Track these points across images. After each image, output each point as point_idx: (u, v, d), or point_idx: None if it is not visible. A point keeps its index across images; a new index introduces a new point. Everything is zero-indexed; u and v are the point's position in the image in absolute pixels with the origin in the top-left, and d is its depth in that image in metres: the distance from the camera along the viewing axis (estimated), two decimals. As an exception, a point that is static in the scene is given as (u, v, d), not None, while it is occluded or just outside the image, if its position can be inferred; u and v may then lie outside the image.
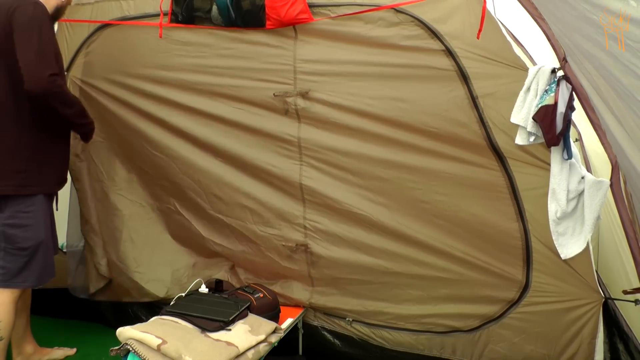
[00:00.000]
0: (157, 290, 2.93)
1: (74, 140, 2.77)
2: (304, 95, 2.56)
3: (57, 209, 2.68)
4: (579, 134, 2.69)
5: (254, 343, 2.24)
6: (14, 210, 2.40)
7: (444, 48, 2.33)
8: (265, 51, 2.58)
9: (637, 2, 1.22)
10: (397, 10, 2.36)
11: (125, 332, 2.17)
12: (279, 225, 2.74)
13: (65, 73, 2.76)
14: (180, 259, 2.97)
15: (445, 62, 2.34)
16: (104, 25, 2.80)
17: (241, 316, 2.38)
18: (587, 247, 2.23)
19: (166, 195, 2.93)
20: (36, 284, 2.51)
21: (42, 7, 2.36)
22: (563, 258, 2.24)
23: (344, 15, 2.43)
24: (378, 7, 2.38)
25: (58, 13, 2.55)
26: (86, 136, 2.72)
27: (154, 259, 2.97)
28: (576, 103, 2.13)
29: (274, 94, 2.60)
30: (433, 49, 2.35)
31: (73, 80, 2.90)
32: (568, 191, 2.15)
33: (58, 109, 2.38)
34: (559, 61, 2.16)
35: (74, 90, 2.87)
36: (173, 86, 2.75)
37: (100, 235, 3.04)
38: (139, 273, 2.95)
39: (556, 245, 2.23)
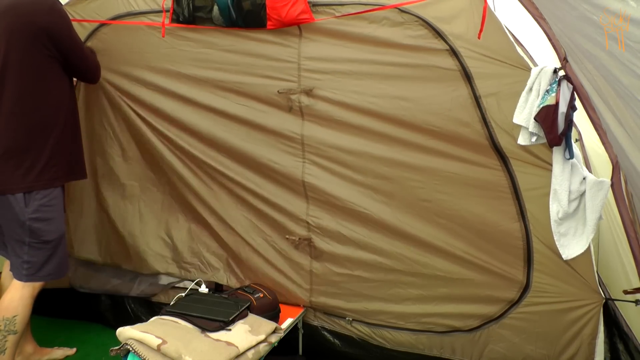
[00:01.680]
0: (158, 264, 2.97)
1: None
2: (308, 92, 2.57)
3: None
4: (579, 134, 2.69)
5: (254, 343, 2.24)
6: (39, 205, 2.44)
7: (448, 48, 2.33)
8: (270, 48, 2.59)
9: (637, 3, 1.22)
10: (401, 10, 2.36)
11: (125, 332, 2.17)
12: (283, 220, 2.75)
13: None
14: (182, 238, 2.98)
15: (449, 62, 2.34)
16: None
17: (241, 316, 2.38)
18: (588, 248, 2.24)
19: (171, 179, 2.94)
20: (58, 277, 2.57)
21: (61, 5, 2.51)
22: (565, 259, 2.24)
23: (348, 14, 2.44)
24: (382, 7, 2.38)
25: None
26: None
27: (159, 233, 3.00)
28: (577, 103, 2.13)
29: (278, 91, 2.61)
30: (437, 48, 2.35)
31: None
32: (570, 192, 2.16)
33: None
34: (560, 61, 2.16)
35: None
36: (177, 80, 2.75)
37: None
38: (142, 245, 2.99)
39: (558, 246, 2.23)
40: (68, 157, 2.56)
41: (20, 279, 2.46)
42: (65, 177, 2.57)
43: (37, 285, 2.49)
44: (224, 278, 2.89)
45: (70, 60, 2.51)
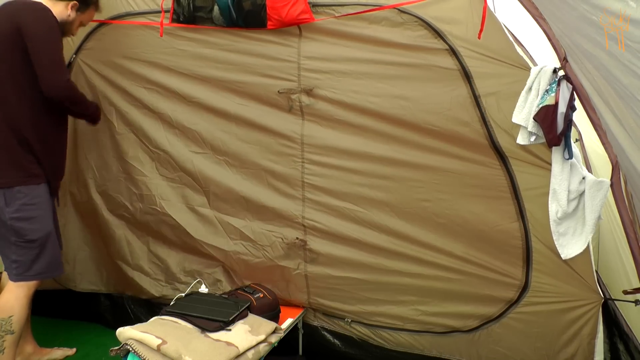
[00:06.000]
0: (153, 289, 2.95)
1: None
2: (308, 92, 2.57)
3: (58, 205, 2.71)
4: (579, 134, 2.69)
5: (254, 343, 2.24)
6: (21, 204, 2.42)
7: (447, 47, 2.34)
8: (270, 48, 2.59)
9: (637, 3, 1.22)
10: (400, 10, 2.37)
11: (125, 332, 2.17)
12: (278, 223, 2.74)
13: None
14: (171, 260, 2.96)
15: (449, 61, 2.35)
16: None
17: (241, 316, 2.38)
18: (587, 248, 2.24)
19: (153, 195, 2.91)
20: (49, 276, 2.54)
21: (52, 13, 2.42)
22: (564, 258, 2.24)
23: (348, 14, 2.44)
24: (381, 7, 2.38)
25: (63, 27, 2.53)
26: (93, 121, 2.79)
27: (149, 257, 2.98)
28: (577, 103, 2.13)
29: (278, 91, 2.60)
30: (437, 48, 2.35)
31: (79, 65, 2.90)
32: (569, 191, 2.16)
33: (69, 107, 2.57)
34: (560, 61, 2.17)
35: (78, 76, 2.90)
36: (177, 79, 2.75)
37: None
38: (135, 271, 2.98)
39: (557, 246, 2.23)
40: (46, 158, 2.50)
41: (12, 279, 2.45)
42: (45, 176, 2.50)
43: (31, 285, 2.47)
44: (220, 279, 2.87)
45: (35, 62, 2.34)
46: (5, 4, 2.42)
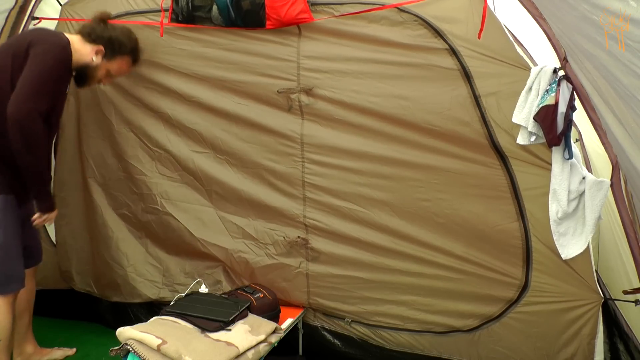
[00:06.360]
0: (149, 291, 2.94)
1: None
2: (308, 92, 2.57)
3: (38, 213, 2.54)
4: (580, 134, 2.69)
5: (254, 343, 2.24)
6: None
7: (447, 47, 2.34)
8: (269, 47, 2.58)
9: (637, 3, 1.21)
10: (400, 9, 2.37)
11: (125, 332, 2.17)
12: (280, 222, 2.74)
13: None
14: (170, 261, 2.95)
15: (449, 61, 2.35)
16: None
17: (241, 316, 2.38)
18: (587, 248, 2.24)
19: (153, 195, 2.91)
20: (2, 291, 2.38)
21: (67, 48, 2.32)
22: (564, 258, 2.24)
23: (347, 14, 2.44)
24: (381, 7, 2.38)
25: (85, 71, 2.47)
26: (39, 203, 2.47)
27: (147, 259, 2.97)
28: (577, 103, 2.13)
29: (277, 91, 2.60)
30: (437, 47, 2.35)
31: None
32: (569, 191, 2.16)
33: (19, 145, 2.22)
34: (560, 61, 2.17)
35: None
36: (176, 79, 2.75)
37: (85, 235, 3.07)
38: (130, 273, 2.96)
39: (557, 246, 2.24)
40: (8, 170, 2.34)
41: None
42: (7, 187, 2.35)
43: (9, 293, 2.39)
44: (221, 290, 2.86)
45: (18, 81, 2.21)
46: (37, 27, 2.36)
